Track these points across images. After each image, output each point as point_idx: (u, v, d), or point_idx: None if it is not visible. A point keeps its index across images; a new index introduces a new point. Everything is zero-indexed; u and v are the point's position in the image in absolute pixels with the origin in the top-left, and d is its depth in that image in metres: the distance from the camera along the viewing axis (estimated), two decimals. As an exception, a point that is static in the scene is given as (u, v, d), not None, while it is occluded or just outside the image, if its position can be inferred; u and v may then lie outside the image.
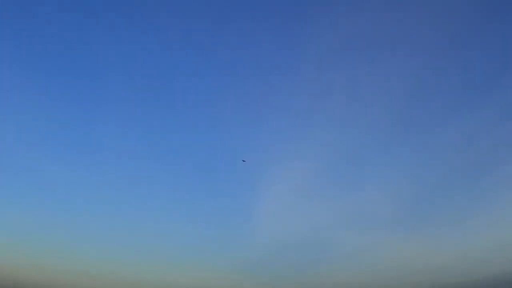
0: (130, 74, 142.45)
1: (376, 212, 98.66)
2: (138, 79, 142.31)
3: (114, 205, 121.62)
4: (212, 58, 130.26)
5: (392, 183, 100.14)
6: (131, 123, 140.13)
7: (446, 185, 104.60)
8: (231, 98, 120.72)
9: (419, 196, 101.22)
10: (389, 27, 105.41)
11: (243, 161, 58.23)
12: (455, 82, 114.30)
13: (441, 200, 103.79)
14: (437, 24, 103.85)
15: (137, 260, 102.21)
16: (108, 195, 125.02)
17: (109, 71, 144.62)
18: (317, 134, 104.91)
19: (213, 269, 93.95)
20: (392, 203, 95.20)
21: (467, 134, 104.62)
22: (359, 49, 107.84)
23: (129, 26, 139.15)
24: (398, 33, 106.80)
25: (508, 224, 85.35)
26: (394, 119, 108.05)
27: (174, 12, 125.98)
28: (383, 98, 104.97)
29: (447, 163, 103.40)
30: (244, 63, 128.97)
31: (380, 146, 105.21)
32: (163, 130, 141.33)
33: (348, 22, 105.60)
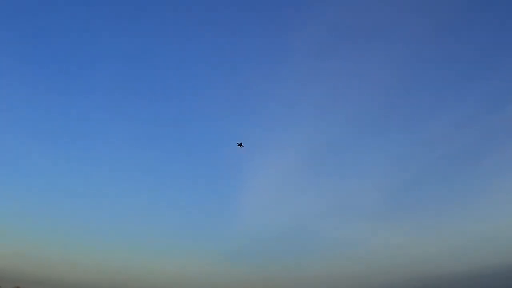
0: (118, 64, 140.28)
1: (363, 202, 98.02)
2: (127, 69, 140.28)
3: (99, 192, 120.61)
4: (201, 46, 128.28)
5: (380, 172, 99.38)
6: (118, 111, 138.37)
7: (434, 175, 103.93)
8: (219, 86, 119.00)
9: (406, 186, 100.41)
10: (377, 18, 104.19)
11: (240, 145, 50.05)
12: (443, 72, 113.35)
13: (428, 190, 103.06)
14: (426, 15, 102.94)
15: (122, 248, 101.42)
16: (93, 182, 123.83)
17: (97, 61, 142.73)
18: (304, 122, 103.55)
19: (198, 257, 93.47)
20: (379, 193, 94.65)
21: (455, 124, 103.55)
22: (347, 38, 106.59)
23: (118, 17, 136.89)
24: (387, 24, 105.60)
25: (496, 215, 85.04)
26: (383, 108, 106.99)
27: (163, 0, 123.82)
28: (372, 88, 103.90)
29: (435, 153, 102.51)
30: (232, 51, 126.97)
31: (368, 135, 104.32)
32: (150, 119, 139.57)
33: (337, 11, 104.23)
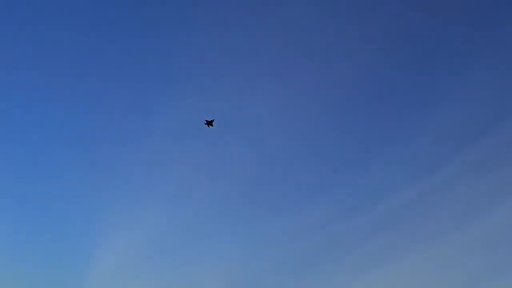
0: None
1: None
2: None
3: None
4: (58, 127, 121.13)
5: (231, 261, 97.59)
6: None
7: (288, 270, 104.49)
8: (77, 165, 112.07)
9: (258, 278, 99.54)
10: (240, 107, 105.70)
11: (208, 123, 36.59)
12: (307, 168, 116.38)
13: (283, 284, 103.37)
14: (289, 109, 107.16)
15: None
16: None
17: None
18: (156, 203, 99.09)
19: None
20: (229, 282, 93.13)
21: (308, 226, 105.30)
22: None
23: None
24: (252, 112, 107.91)
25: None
26: (242, 197, 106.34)
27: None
28: (232, 176, 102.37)
29: (291, 248, 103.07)
30: (89, 131, 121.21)
31: (224, 223, 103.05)
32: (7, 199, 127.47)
33: (201, 95, 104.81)
